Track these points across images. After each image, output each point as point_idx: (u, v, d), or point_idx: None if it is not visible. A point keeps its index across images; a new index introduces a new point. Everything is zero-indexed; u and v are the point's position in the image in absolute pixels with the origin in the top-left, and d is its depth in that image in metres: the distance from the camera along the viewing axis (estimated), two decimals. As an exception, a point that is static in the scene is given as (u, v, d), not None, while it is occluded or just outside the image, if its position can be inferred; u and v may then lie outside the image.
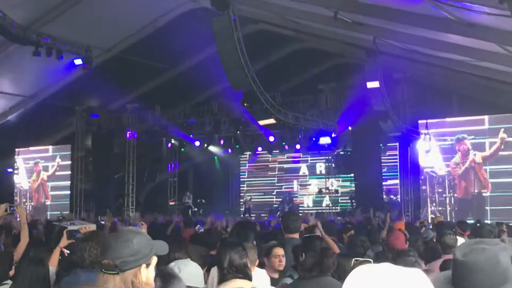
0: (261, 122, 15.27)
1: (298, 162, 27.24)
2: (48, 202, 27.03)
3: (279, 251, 5.18)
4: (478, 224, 10.67)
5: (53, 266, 4.76)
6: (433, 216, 19.50)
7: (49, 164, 27.18)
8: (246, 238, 5.67)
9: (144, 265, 2.47)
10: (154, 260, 2.54)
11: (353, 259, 4.52)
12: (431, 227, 11.48)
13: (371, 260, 4.53)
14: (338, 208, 24.43)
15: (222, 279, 3.92)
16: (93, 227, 5.70)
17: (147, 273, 2.49)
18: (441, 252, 5.99)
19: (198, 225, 9.36)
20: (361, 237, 6.24)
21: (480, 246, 2.07)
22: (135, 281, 2.44)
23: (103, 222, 11.87)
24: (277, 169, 27.88)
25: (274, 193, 27.41)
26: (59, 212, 20.82)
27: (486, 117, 20.63)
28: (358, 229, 8.93)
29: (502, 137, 19.99)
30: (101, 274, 2.46)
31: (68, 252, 4.93)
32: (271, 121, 14.97)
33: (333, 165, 24.07)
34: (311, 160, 26.90)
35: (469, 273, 2.04)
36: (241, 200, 27.33)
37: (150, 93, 23.43)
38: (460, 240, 6.45)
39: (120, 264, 2.41)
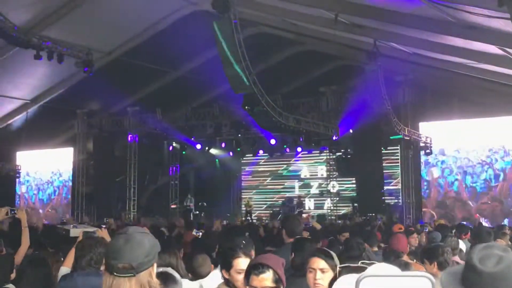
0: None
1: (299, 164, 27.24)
2: (49, 206, 27.03)
3: (316, 262, 3.63)
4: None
5: (67, 267, 4.77)
6: (435, 218, 19.50)
7: (50, 168, 27.18)
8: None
9: (155, 264, 2.46)
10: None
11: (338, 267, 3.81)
12: (427, 230, 11.48)
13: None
14: (340, 211, 24.33)
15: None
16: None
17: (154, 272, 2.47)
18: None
19: (195, 230, 9.32)
20: (357, 239, 6.12)
21: (494, 252, 1.97)
22: (151, 281, 2.40)
23: (104, 226, 11.84)
24: (278, 172, 27.85)
25: (276, 196, 27.35)
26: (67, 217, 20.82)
27: (487, 119, 20.61)
28: (356, 231, 8.89)
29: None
30: (109, 278, 2.38)
31: None
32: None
33: (334, 167, 24.01)
34: (312, 162, 26.88)
35: (491, 282, 1.93)
36: (243, 204, 27.26)
37: (151, 96, 23.41)
38: (460, 243, 6.44)
39: (137, 266, 2.35)
